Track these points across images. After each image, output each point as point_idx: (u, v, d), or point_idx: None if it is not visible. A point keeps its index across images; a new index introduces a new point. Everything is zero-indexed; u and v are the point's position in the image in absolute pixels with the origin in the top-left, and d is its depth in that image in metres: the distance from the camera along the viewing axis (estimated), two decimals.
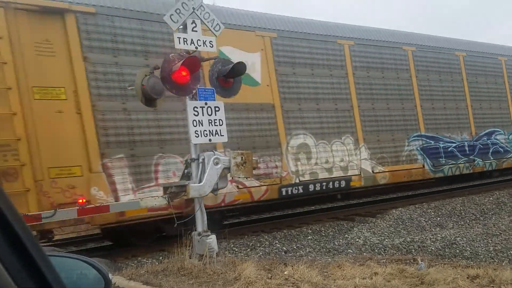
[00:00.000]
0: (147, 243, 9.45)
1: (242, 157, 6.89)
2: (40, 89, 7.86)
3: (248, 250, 9.19)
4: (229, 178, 7.41)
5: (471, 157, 14.71)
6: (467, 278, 5.49)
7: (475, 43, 16.28)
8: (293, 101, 10.93)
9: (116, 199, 8.32)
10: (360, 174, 11.89)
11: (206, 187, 6.62)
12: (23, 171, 7.53)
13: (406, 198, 14.77)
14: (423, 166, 13.32)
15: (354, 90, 12.00)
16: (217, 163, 6.71)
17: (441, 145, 13.83)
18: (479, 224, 11.32)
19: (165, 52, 7.90)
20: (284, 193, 10.57)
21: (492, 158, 15.42)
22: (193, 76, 6.70)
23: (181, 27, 6.74)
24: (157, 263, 7.64)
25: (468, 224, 11.41)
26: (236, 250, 9.13)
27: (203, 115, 6.78)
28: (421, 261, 6.77)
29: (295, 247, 9.38)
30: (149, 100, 6.93)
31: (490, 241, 9.64)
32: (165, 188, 7.24)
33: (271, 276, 5.76)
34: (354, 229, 10.64)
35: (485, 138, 15.33)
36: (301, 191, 10.81)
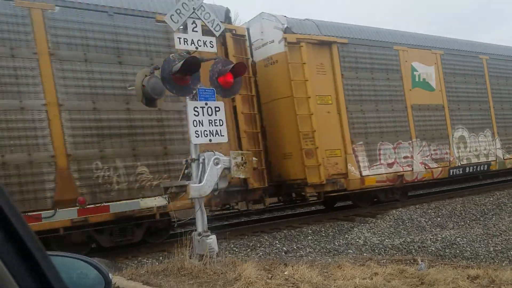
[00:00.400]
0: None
1: (242, 157, 6.89)
2: (319, 97, 11.63)
3: (248, 250, 9.19)
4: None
5: None
6: (467, 278, 5.49)
7: None
8: (455, 102, 14.62)
9: (360, 173, 12.03)
10: (496, 160, 15.52)
11: (206, 187, 6.62)
12: (316, 152, 11.32)
13: (406, 198, 14.77)
14: None
15: (490, 95, 15.75)
16: (217, 163, 6.71)
17: None
18: (479, 224, 11.32)
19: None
20: (451, 173, 14.15)
21: None
22: (193, 77, 6.70)
23: (182, 27, 6.75)
24: (157, 263, 7.64)
25: (468, 225, 11.41)
26: (236, 250, 9.13)
27: (203, 115, 6.77)
28: (421, 261, 6.77)
29: (295, 247, 9.38)
30: (150, 100, 6.93)
31: (490, 242, 9.64)
32: (166, 188, 7.24)
33: (271, 276, 5.76)
34: (354, 229, 10.64)
35: None
36: (461, 172, 14.40)
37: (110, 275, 1.86)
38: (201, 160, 6.73)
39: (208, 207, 9.41)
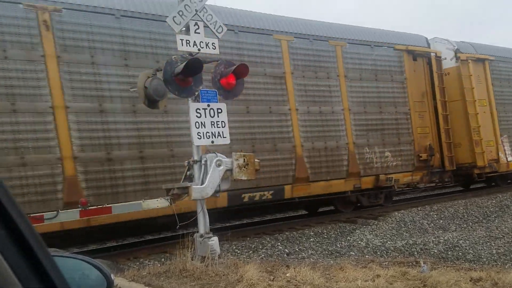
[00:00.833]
0: None
1: (244, 159, 6.89)
2: (479, 100, 15.09)
3: (250, 252, 9.18)
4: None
5: None
6: (470, 281, 5.48)
7: None
8: None
9: (506, 159, 15.64)
10: None
11: (208, 189, 6.61)
12: (481, 142, 14.77)
13: (408, 200, 14.75)
14: None
15: None
16: (219, 165, 6.70)
17: None
18: (482, 227, 11.28)
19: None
20: None
21: None
22: (196, 78, 6.70)
23: (184, 29, 6.76)
24: (159, 265, 7.64)
25: (471, 227, 11.38)
26: (238, 252, 9.12)
27: (205, 117, 6.78)
28: (423, 263, 6.76)
29: (297, 249, 9.37)
30: (152, 101, 6.94)
31: (493, 244, 9.61)
32: (168, 190, 7.24)
33: (273, 278, 5.76)
34: (356, 231, 10.63)
35: None
36: None
37: (112, 276, 1.86)
38: (203, 162, 6.73)
39: (421, 184, 13.99)
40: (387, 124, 12.90)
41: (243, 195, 10.07)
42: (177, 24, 6.64)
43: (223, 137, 6.94)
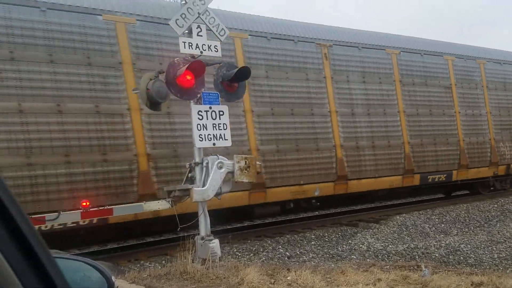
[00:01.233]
0: None
1: (246, 161, 6.89)
2: None
3: (251, 255, 9.17)
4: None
5: None
6: (471, 285, 5.46)
7: None
8: None
9: None
10: None
11: (209, 191, 6.61)
12: None
13: (410, 204, 14.73)
14: None
15: None
16: (221, 167, 6.70)
17: None
18: (484, 231, 11.26)
19: None
20: None
21: None
22: (198, 80, 6.71)
23: (186, 31, 6.78)
24: (159, 267, 7.63)
25: (473, 231, 11.35)
26: (239, 254, 9.11)
27: (207, 119, 6.78)
28: (425, 267, 6.74)
29: (298, 252, 9.35)
30: (154, 103, 6.94)
31: (495, 248, 9.58)
32: (169, 192, 7.24)
33: (274, 281, 5.75)
34: (358, 234, 10.61)
35: None
36: None
37: (113, 278, 1.86)
38: (204, 164, 6.73)
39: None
40: None
41: (428, 177, 13.50)
42: (180, 27, 6.66)
43: (225, 139, 6.95)
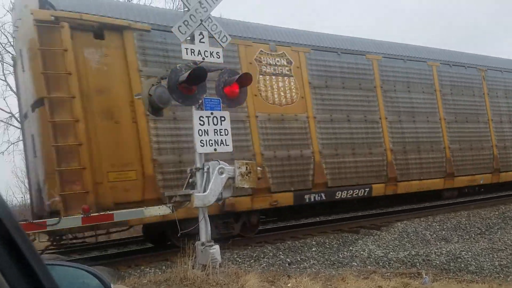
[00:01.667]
0: None
1: (247, 167, 6.90)
2: None
3: (252, 261, 9.15)
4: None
5: None
6: None
7: None
8: None
9: None
10: None
11: (210, 197, 6.62)
12: None
13: (410, 211, 14.69)
14: None
15: None
16: (222, 173, 6.71)
17: None
18: (485, 238, 11.22)
19: None
20: None
21: None
22: (200, 86, 6.74)
23: (189, 38, 6.82)
24: (159, 273, 7.62)
25: (474, 238, 11.31)
26: (240, 261, 9.09)
27: (208, 125, 6.81)
28: (425, 275, 6.73)
29: (299, 259, 9.33)
30: (156, 109, 6.98)
31: (496, 256, 9.55)
32: (170, 197, 7.24)
33: None
34: (359, 241, 10.58)
35: None
36: None
37: (112, 286, 1.86)
38: (205, 169, 6.75)
39: None
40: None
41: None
42: (182, 33, 6.70)
43: (226, 145, 6.97)
